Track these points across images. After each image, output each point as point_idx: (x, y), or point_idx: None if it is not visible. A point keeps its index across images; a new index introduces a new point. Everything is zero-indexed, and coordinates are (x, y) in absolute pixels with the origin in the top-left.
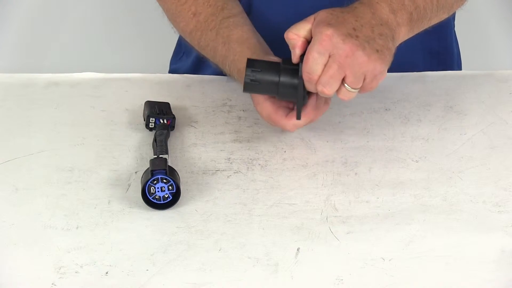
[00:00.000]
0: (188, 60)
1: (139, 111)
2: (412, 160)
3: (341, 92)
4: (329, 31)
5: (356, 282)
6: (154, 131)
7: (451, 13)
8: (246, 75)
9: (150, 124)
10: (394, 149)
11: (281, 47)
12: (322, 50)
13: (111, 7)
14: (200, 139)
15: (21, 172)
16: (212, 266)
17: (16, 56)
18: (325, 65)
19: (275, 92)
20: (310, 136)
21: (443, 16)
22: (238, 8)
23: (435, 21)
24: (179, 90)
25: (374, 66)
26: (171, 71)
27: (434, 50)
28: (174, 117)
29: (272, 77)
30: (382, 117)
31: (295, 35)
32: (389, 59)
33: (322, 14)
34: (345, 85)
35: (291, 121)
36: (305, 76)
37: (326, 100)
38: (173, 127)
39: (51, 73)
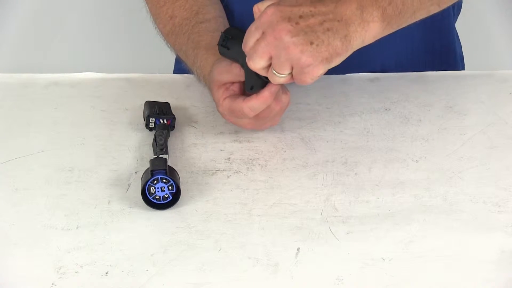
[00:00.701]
0: None
1: (139, 111)
2: (412, 160)
3: (269, 73)
4: (270, 10)
5: (356, 282)
6: (154, 131)
7: (442, 5)
8: (219, 38)
9: (150, 124)
10: (394, 149)
11: None
12: (259, 25)
13: (111, 7)
14: (200, 139)
15: (21, 172)
16: (212, 266)
17: (16, 56)
18: (257, 40)
19: (241, 61)
20: (310, 136)
21: (432, 9)
22: (213, 13)
23: (422, 14)
24: (179, 90)
25: (299, 56)
26: (176, 70)
27: (435, 48)
28: (174, 117)
29: (240, 46)
30: (382, 117)
31: (257, 9)
32: (325, 55)
33: None
34: (272, 67)
35: (247, 103)
36: (242, 46)
37: (284, 90)
38: (173, 127)
39: (51, 73)
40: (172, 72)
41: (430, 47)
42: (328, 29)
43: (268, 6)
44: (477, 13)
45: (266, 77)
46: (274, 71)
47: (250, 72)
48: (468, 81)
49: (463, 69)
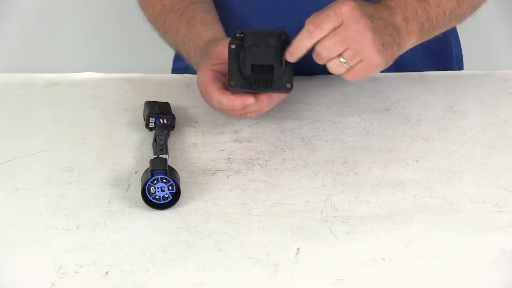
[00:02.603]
0: None
1: (139, 111)
2: (412, 160)
3: (334, 63)
4: (352, 4)
5: (356, 282)
6: (154, 131)
7: (462, 21)
8: (232, 37)
9: (150, 124)
10: (394, 149)
11: None
12: (339, 13)
13: (111, 7)
14: (200, 139)
15: (21, 172)
16: (212, 266)
17: (16, 56)
18: (334, 28)
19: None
20: (310, 136)
21: (454, 24)
22: None
23: (446, 29)
24: (179, 90)
25: (374, 55)
26: (174, 70)
27: (433, 51)
28: (174, 117)
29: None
30: (382, 117)
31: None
32: (389, 59)
33: None
34: (340, 58)
35: (220, 96)
36: (309, 26)
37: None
38: (173, 127)
39: (51, 73)
40: (170, 71)
41: (428, 48)
42: (390, 34)
43: (347, 1)
44: (477, 13)
45: (257, 87)
46: (343, 61)
47: (237, 68)
48: (468, 81)
49: (461, 70)
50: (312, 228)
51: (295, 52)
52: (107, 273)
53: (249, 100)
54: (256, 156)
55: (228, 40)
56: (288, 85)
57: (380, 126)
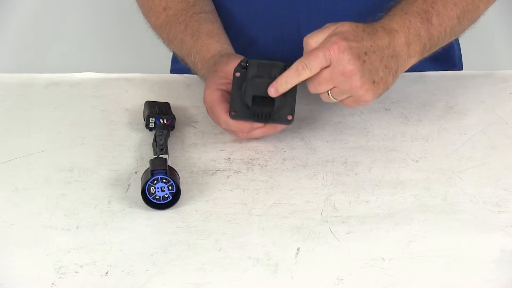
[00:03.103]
0: None
1: (139, 111)
2: (412, 160)
3: (323, 95)
4: (343, 45)
5: (356, 282)
6: (154, 131)
7: (460, 35)
8: (238, 63)
9: (150, 124)
10: (394, 149)
11: (244, 46)
12: (328, 55)
13: (111, 7)
14: (200, 139)
15: (21, 172)
16: (212, 266)
17: (16, 56)
18: (321, 68)
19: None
20: (310, 136)
21: (452, 39)
22: (209, 7)
23: (444, 44)
24: (179, 90)
25: (362, 94)
26: (173, 70)
27: (434, 55)
28: (174, 117)
29: (254, 76)
30: (382, 117)
31: (310, 41)
32: (381, 92)
33: (345, 26)
34: (329, 92)
35: (228, 119)
36: (298, 65)
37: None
38: (173, 127)
39: (51, 73)
40: (169, 72)
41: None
42: (386, 67)
43: (339, 40)
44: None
45: (257, 119)
46: (331, 96)
47: (240, 97)
48: (468, 81)
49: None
50: (312, 228)
51: (279, 88)
52: (107, 273)
53: (257, 123)
54: (256, 156)
55: (236, 58)
56: (289, 117)
57: (380, 126)
